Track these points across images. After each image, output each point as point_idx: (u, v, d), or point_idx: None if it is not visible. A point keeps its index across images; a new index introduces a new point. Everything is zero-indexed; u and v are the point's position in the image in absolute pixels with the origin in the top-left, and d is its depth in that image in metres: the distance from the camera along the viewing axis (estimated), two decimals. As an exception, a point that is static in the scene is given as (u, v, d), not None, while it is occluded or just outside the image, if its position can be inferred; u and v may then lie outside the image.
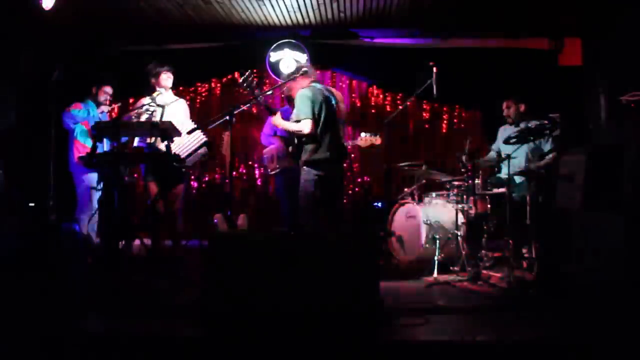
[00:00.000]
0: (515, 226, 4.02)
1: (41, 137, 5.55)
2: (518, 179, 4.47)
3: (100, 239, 4.66)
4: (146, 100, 4.47)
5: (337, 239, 2.95)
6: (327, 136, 3.95)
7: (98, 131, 3.90)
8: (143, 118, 4.42)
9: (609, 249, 3.35)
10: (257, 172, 7.06)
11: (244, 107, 4.26)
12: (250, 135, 6.83)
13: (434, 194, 5.07)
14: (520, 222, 4.04)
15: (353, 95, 7.05)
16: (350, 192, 6.91)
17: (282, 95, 6.14)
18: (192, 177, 6.91)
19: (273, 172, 4.96)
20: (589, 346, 2.57)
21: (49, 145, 4.54)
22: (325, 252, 2.78)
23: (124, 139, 4.17)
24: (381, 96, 7.02)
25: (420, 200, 5.05)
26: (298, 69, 4.19)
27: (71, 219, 4.86)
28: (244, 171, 7.07)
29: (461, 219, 4.51)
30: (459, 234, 4.43)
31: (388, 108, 6.95)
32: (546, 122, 3.95)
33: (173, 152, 3.87)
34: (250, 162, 7.07)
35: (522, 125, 4.52)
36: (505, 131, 4.96)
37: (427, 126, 6.98)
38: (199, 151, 4.16)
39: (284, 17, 6.37)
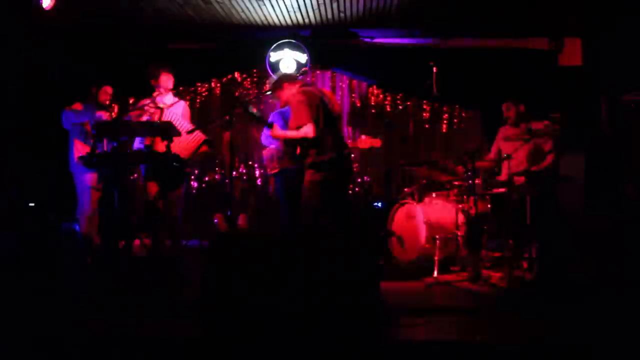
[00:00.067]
0: (515, 226, 4.02)
1: (41, 137, 5.56)
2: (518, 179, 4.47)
3: (100, 239, 4.67)
4: (146, 102, 4.48)
5: (337, 239, 2.96)
6: (328, 136, 3.93)
7: (98, 131, 3.90)
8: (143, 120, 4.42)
9: (609, 249, 3.35)
10: (257, 172, 7.06)
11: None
12: (250, 135, 6.83)
13: (434, 194, 5.07)
14: (520, 222, 4.04)
15: (353, 95, 7.05)
16: (350, 192, 6.91)
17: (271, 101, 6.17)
18: (192, 177, 6.92)
19: (273, 172, 4.96)
20: (589, 346, 2.57)
21: (49, 145, 4.54)
22: (325, 252, 2.78)
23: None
24: (381, 96, 7.02)
25: (420, 200, 5.05)
26: (279, 80, 4.14)
27: (71, 219, 4.86)
28: (244, 171, 7.07)
29: (461, 219, 4.51)
30: (458, 234, 4.43)
31: (388, 108, 6.95)
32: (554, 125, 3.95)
33: (173, 152, 3.87)
34: (250, 162, 7.07)
35: (523, 125, 4.53)
36: (505, 132, 4.97)
37: (427, 126, 6.99)
38: (200, 150, 4.17)
39: (284, 17, 6.37)
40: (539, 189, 4.27)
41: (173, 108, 4.48)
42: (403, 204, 4.96)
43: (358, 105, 7.03)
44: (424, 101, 6.88)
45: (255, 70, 7.06)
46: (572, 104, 5.88)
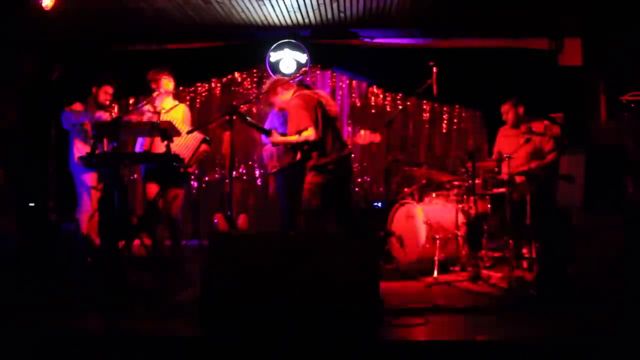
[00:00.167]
0: (515, 226, 4.02)
1: (41, 137, 5.56)
2: (518, 179, 4.47)
3: (100, 239, 4.66)
4: (146, 107, 4.48)
5: (337, 239, 2.96)
6: (328, 138, 3.93)
7: (98, 131, 3.90)
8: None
9: (609, 249, 3.35)
10: (257, 172, 7.06)
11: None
12: (250, 135, 6.83)
13: (434, 194, 5.07)
14: (520, 222, 4.04)
15: (353, 95, 7.05)
16: (350, 192, 6.91)
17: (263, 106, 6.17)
18: (192, 177, 6.91)
19: (273, 171, 4.95)
20: (589, 346, 2.57)
21: (49, 145, 4.53)
22: (325, 252, 2.78)
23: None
24: (381, 96, 7.02)
25: (420, 200, 5.05)
26: (272, 85, 4.11)
27: (71, 219, 4.86)
28: (244, 171, 7.07)
29: (461, 219, 4.51)
30: (458, 234, 4.43)
31: (388, 108, 6.95)
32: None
33: (173, 152, 3.87)
34: (250, 162, 7.07)
35: (523, 126, 4.53)
36: (505, 132, 4.97)
37: (427, 126, 6.99)
38: (200, 149, 4.17)
39: (284, 17, 6.37)
40: (539, 189, 4.27)
41: (172, 112, 4.48)
42: (403, 204, 4.96)
43: (358, 105, 7.03)
44: (424, 101, 6.88)
45: (255, 70, 7.06)
46: (572, 104, 5.88)
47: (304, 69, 5.89)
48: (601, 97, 5.86)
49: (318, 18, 6.41)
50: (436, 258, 4.37)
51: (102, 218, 3.95)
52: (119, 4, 5.87)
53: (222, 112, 3.93)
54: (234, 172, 5.80)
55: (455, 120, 6.97)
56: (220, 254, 2.80)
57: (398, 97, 6.94)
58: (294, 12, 6.20)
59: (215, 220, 5.03)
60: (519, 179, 4.41)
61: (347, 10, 6.15)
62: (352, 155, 6.71)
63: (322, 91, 4.37)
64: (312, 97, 3.97)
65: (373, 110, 7.00)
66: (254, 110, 6.88)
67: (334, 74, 7.04)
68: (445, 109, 6.97)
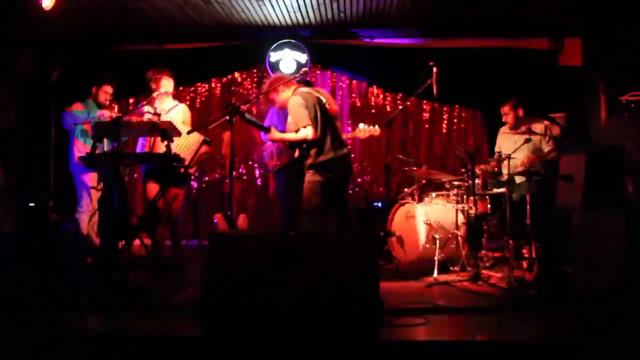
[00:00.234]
0: (515, 226, 4.02)
1: (41, 137, 5.55)
2: (518, 179, 4.47)
3: (100, 239, 4.66)
4: (146, 108, 4.48)
5: (337, 239, 2.95)
6: (327, 137, 3.92)
7: (98, 131, 3.90)
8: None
9: (609, 249, 3.35)
10: (257, 172, 7.06)
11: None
12: (250, 135, 6.83)
13: (434, 194, 5.07)
14: (520, 222, 4.04)
15: (353, 95, 7.05)
16: (350, 192, 6.92)
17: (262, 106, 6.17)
18: (192, 177, 6.92)
19: (273, 169, 4.95)
20: (589, 346, 2.57)
21: (49, 145, 4.53)
22: (325, 252, 2.78)
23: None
24: (381, 96, 7.03)
25: (420, 200, 5.05)
26: (273, 83, 4.10)
27: (71, 219, 4.86)
28: (244, 171, 7.07)
29: (461, 219, 4.51)
30: (458, 234, 4.43)
31: (388, 108, 6.96)
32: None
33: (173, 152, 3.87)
34: (250, 162, 7.08)
35: (523, 126, 4.53)
36: (505, 132, 4.97)
37: (427, 126, 6.99)
38: (200, 150, 4.17)
39: (284, 17, 6.37)
40: (539, 189, 4.27)
41: (171, 113, 4.48)
42: (403, 204, 4.96)
43: (358, 105, 7.03)
44: (424, 101, 6.88)
45: (255, 70, 7.07)
46: (572, 104, 5.88)
47: (304, 69, 5.86)
48: (601, 97, 5.85)
49: (318, 18, 6.41)
50: (436, 258, 4.37)
51: (102, 218, 3.95)
52: (119, 4, 5.88)
53: (221, 112, 3.91)
54: (234, 172, 5.80)
55: (455, 120, 6.97)
56: (220, 254, 2.80)
57: (398, 97, 6.95)
58: (294, 12, 6.21)
59: (215, 220, 5.04)
60: (518, 179, 4.41)
61: (347, 10, 6.15)
62: (352, 156, 6.78)
63: (322, 89, 4.36)
64: (313, 95, 3.97)
65: (373, 110, 7.00)
66: (254, 110, 6.88)
67: (334, 74, 7.05)
68: (445, 109, 6.98)
